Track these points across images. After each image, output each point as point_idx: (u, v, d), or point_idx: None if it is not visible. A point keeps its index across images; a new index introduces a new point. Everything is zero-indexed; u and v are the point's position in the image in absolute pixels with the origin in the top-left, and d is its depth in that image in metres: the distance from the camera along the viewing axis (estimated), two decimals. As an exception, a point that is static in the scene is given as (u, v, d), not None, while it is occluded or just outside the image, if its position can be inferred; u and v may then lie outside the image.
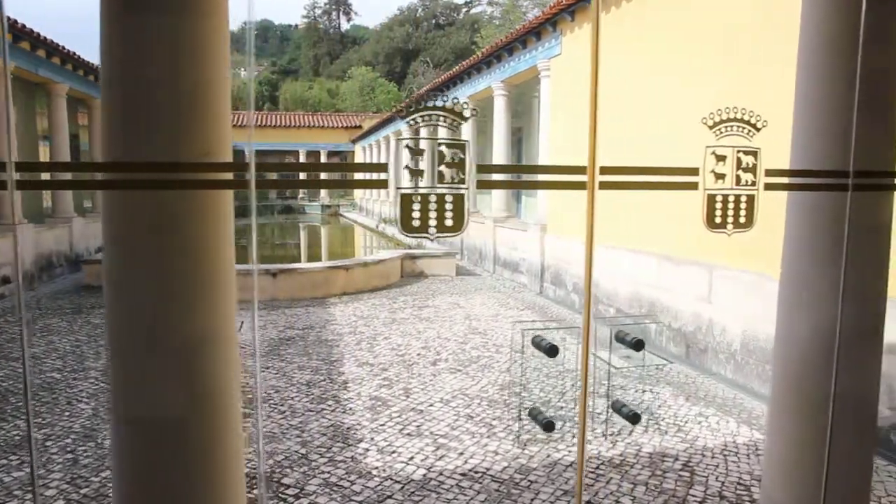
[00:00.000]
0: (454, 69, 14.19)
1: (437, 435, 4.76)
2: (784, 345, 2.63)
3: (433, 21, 55.62)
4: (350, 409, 5.30)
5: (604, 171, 1.87)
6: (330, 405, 5.38)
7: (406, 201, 1.75)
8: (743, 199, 1.98)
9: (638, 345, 2.13)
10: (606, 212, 7.70)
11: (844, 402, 2.46)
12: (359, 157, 31.77)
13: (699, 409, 5.30)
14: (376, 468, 4.24)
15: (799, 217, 2.50)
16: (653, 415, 5.17)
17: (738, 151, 1.95)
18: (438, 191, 1.76)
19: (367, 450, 4.52)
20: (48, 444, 4.56)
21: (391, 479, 4.09)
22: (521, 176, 12.44)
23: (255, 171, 1.73)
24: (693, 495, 3.93)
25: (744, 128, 1.95)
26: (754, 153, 1.96)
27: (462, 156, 1.77)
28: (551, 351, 2.14)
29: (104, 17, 1.82)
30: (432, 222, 1.76)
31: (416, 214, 1.75)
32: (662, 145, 6.82)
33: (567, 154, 9.37)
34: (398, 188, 1.75)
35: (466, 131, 13.89)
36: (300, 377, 6.12)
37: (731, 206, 1.97)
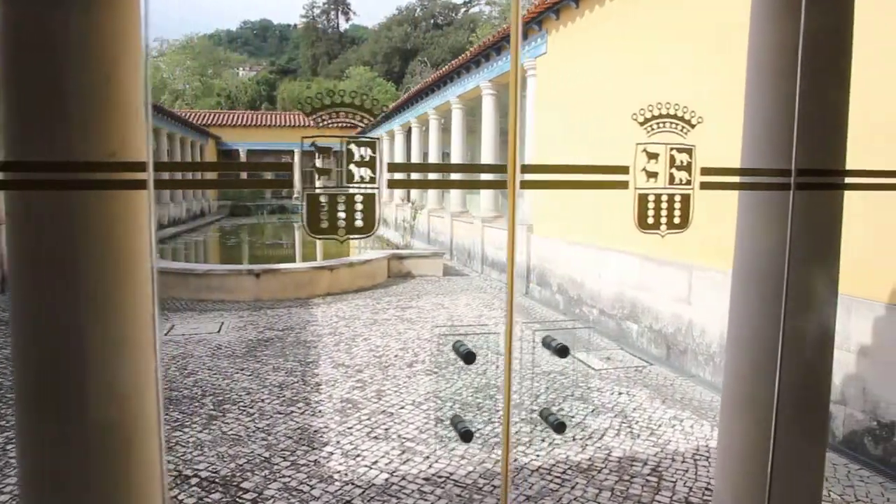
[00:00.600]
0: (443, 69, 14.12)
1: (404, 438, 4.69)
2: (734, 345, 2.56)
3: (432, 21, 55.58)
4: (320, 411, 5.23)
5: (525, 169, 1.80)
6: (300, 407, 5.31)
7: (313, 201, 1.68)
8: (677, 198, 1.90)
9: (562, 351, 2.05)
10: (592, 212, 7.65)
11: (794, 404, 2.39)
12: (355, 157, 31.53)
13: (675, 412, 5.23)
14: (339, 472, 4.18)
15: (748, 216, 2.43)
16: (626, 418, 5.10)
17: (672, 149, 1.88)
18: (348, 190, 1.69)
19: (332, 453, 4.45)
20: None
21: (352, 484, 4.02)
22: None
23: (153, 170, 1.65)
24: (659, 501, 3.86)
25: (677, 124, 1.88)
26: (689, 150, 1.89)
27: (373, 154, 1.70)
28: (468, 357, 2.07)
29: (2, 7, 1.74)
30: (341, 223, 1.70)
31: (324, 215, 1.68)
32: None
33: (553, 152, 9.30)
34: (305, 188, 1.68)
35: (456, 130, 13.85)
36: (273, 379, 6.04)
37: (664, 205, 1.90)
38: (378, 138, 1.74)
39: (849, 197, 4.58)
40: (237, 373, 6.24)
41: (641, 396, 5.59)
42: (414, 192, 18.44)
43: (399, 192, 19.71)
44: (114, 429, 1.90)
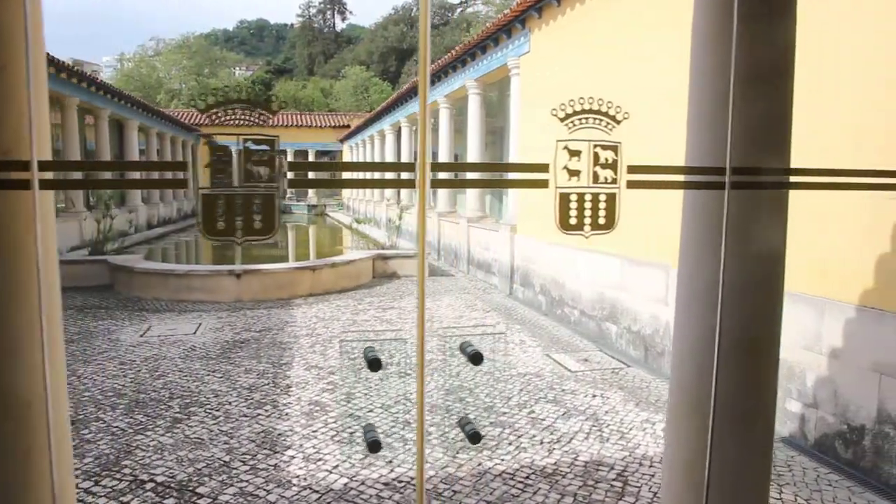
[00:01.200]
0: (430, 68, 14.02)
1: (349, 441, 4.61)
2: (677, 352, 2.48)
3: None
4: (287, 414, 5.16)
5: (436, 167, 1.72)
6: (267, 410, 5.23)
7: (209, 202, 1.60)
8: (602, 197, 1.82)
9: (475, 358, 1.97)
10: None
11: (733, 412, 2.31)
12: (346, 157, 31.63)
13: (647, 416, 5.15)
14: (297, 477, 4.10)
15: (688, 216, 2.36)
16: (598, 421, 5.02)
17: (596, 146, 1.80)
18: (248, 191, 1.61)
19: (293, 457, 4.37)
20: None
21: (310, 489, 3.94)
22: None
23: (38, 170, 1.57)
24: (621, 507, 3.79)
25: (601, 120, 1.80)
26: (614, 148, 1.81)
27: (272, 152, 1.63)
28: (373, 364, 1.99)
29: None
30: (239, 223, 1.62)
31: (220, 216, 1.61)
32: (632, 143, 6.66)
33: (536, 152, 9.22)
34: (200, 188, 1.60)
35: (444, 130, 13.77)
36: (244, 381, 5.97)
37: (587, 205, 1.82)
38: (277, 136, 1.66)
39: (821, 198, 4.50)
40: (208, 375, 6.16)
41: (615, 399, 5.51)
42: (403, 192, 18.36)
43: (388, 192, 19.64)
44: (9, 439, 1.82)
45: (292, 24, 79.86)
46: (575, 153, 1.80)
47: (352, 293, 10.21)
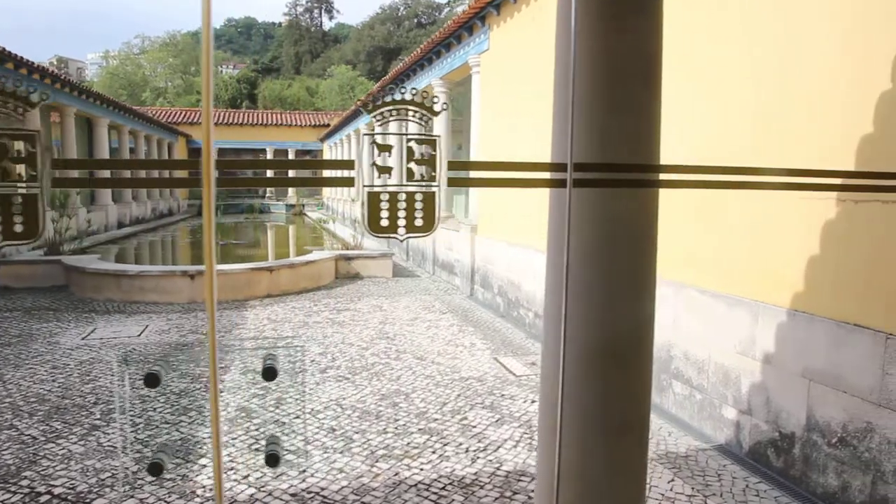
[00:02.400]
0: (398, 66, 13.85)
1: (287, 450, 4.43)
2: (545, 356, 2.32)
3: (415, 20, 55.38)
4: (210, 421, 4.96)
5: (219, 165, 1.54)
6: (191, 416, 5.04)
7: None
8: (418, 197, 1.65)
9: (266, 373, 1.81)
10: (530, 211, 7.33)
11: (604, 421, 2.16)
12: (326, 155, 31.38)
13: (582, 421, 4.99)
14: (204, 487, 3.91)
15: (556, 215, 2.20)
16: (530, 428, 4.86)
17: (410, 140, 1.62)
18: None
19: (205, 466, 4.19)
20: None
21: (213, 501, 3.75)
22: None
23: None
24: (535, 519, 3.63)
25: (416, 112, 1.63)
26: (432, 142, 1.64)
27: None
28: (149, 380, 1.83)
29: None
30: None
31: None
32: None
33: (495, 150, 9.07)
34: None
35: (440, 128, 13.56)
36: (176, 386, 5.77)
37: (402, 205, 1.64)
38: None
39: (755, 200, 4.36)
40: (141, 379, 5.94)
41: (554, 404, 5.35)
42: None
43: (341, 192, 19.37)
44: None
45: (280, 23, 79.50)
46: (385, 148, 1.63)
47: (310, 294, 10.01)
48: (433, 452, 4.41)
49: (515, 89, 8.14)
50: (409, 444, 4.53)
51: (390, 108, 1.61)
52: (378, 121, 1.63)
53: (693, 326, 4.98)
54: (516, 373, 6.20)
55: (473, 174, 1.80)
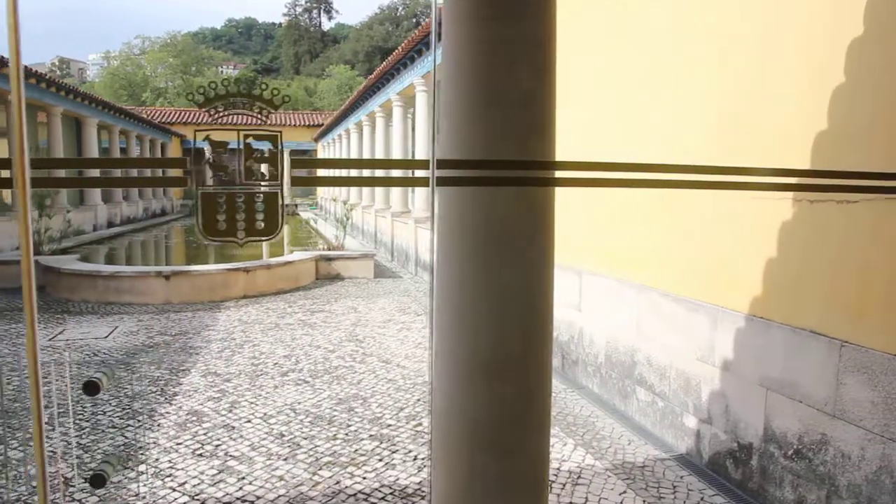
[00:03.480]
0: (381, 66, 13.71)
1: (231, 456, 4.29)
2: (437, 367, 2.18)
3: (413, 20, 55.24)
4: (160, 424, 4.83)
5: (34, 163, 1.40)
6: (140, 421, 4.91)
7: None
8: (259, 197, 1.51)
9: (87, 387, 1.65)
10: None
11: (493, 437, 2.02)
12: (320, 155, 31.24)
13: (542, 429, 4.83)
14: (137, 495, 3.78)
15: (444, 215, 2.06)
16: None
17: (248, 136, 1.48)
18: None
19: (142, 473, 4.05)
20: None
21: (136, 511, 3.62)
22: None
23: None
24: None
25: (254, 105, 1.50)
26: (274, 137, 1.50)
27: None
28: (88, 388, 1.68)
29: None
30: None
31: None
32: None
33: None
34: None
35: (397, 128, 13.46)
36: (130, 389, 5.64)
37: (241, 206, 1.50)
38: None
39: (714, 200, 4.22)
40: (86, 383, 5.81)
41: (515, 410, 5.19)
42: (354, 191, 18.05)
43: (334, 191, 19.30)
44: None
45: (280, 23, 79.50)
46: (220, 145, 1.49)
47: (287, 295, 9.87)
48: (380, 460, 4.26)
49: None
50: (356, 451, 4.39)
51: (224, 101, 1.48)
52: (213, 116, 1.49)
53: (655, 331, 4.83)
54: (482, 377, 6.05)
55: (323, 172, 1.67)
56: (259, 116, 1.49)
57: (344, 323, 8.12)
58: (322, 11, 65.25)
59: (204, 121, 1.52)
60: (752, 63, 3.98)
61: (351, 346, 7.01)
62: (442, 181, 1.64)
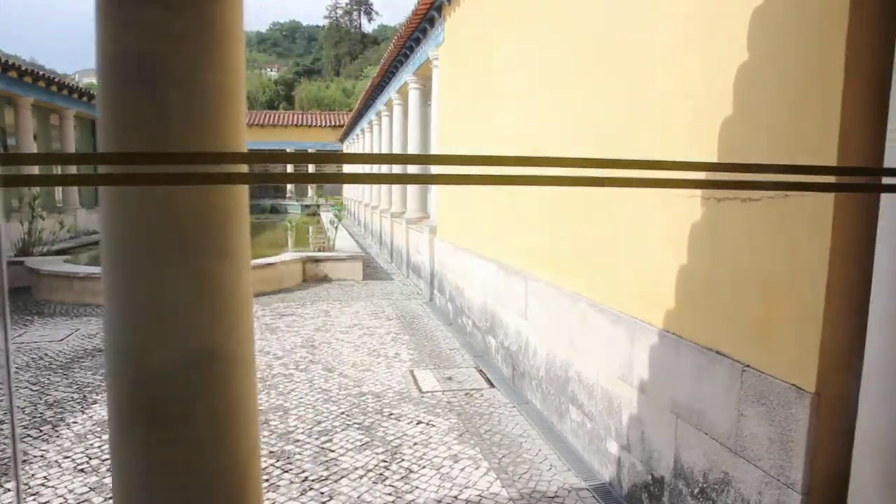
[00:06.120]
0: (381, 64, 13.36)
1: (112, 472, 4.01)
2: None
3: (450, 19, 54.87)
4: (59, 435, 4.61)
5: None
6: (42, 431, 4.70)
7: None
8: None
9: None
10: (473, 212, 6.71)
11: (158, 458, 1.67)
12: (345, 156, 30.92)
13: (460, 449, 4.42)
14: (-10, 516, 3.54)
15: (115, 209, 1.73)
16: (394, 455, 4.32)
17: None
18: None
19: (8, 491, 3.82)
20: None
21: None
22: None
23: None
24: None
25: None
26: None
27: None
28: None
29: None
30: None
31: None
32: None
33: (451, 143, 8.52)
34: None
35: (397, 123, 13.11)
36: (55, 396, 5.46)
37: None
38: None
39: (620, 199, 3.75)
40: (25, 388, 5.67)
41: (441, 428, 4.79)
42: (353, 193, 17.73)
43: (355, 191, 18.94)
44: None
45: (323, 26, 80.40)
46: None
47: (266, 298, 9.65)
48: (266, 481, 3.93)
49: (473, 77, 7.61)
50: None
51: None
52: None
53: (585, 344, 4.36)
54: (423, 388, 5.66)
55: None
56: None
57: (307, 328, 7.82)
58: (363, 13, 65.58)
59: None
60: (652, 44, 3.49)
61: (301, 353, 6.71)
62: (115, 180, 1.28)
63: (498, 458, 4.30)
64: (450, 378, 5.97)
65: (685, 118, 3.26)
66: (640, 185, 1.41)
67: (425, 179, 1.07)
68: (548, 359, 5.02)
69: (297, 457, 4.27)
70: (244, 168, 1.73)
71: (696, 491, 3.14)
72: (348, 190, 27.50)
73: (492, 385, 5.79)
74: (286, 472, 4.06)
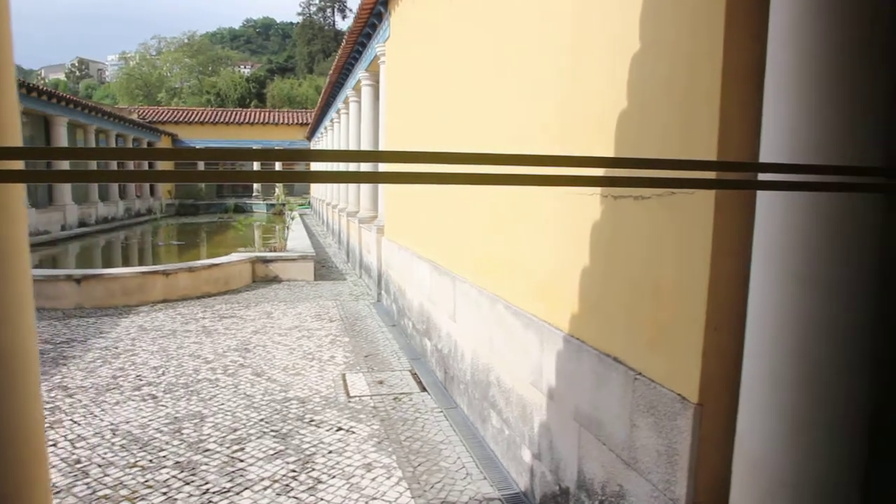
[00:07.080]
0: (336, 61, 13.14)
1: None
2: None
3: (424, 17, 54.69)
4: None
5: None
6: (-64, 443, 4.43)
7: None
8: None
9: None
10: (415, 211, 6.46)
11: None
12: (312, 154, 30.54)
13: (375, 458, 4.26)
14: None
15: None
16: (306, 465, 4.14)
17: None
18: None
19: None
20: None
21: None
22: None
23: None
24: None
25: None
26: None
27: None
28: None
29: None
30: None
31: None
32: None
33: (400, 140, 8.35)
34: None
35: (366, 122, 12.90)
36: (-40, 404, 5.17)
37: None
38: None
39: (526, 196, 3.62)
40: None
41: (360, 435, 4.62)
42: (325, 192, 17.46)
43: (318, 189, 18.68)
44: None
45: (297, 23, 79.73)
46: None
47: (210, 299, 9.40)
48: (164, 494, 3.73)
49: (419, 71, 7.44)
50: (145, 482, 3.86)
51: None
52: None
53: (502, 348, 4.22)
54: (352, 393, 5.49)
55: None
56: None
57: (245, 330, 7.60)
58: (336, 10, 65.05)
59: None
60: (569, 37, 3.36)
61: (233, 357, 6.49)
62: None
63: (413, 467, 4.14)
64: (381, 382, 5.81)
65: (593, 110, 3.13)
66: (528, 182, 1.26)
67: (356, 178, 0.92)
68: (473, 362, 4.88)
69: (204, 468, 4.07)
70: (19, 165, 1.56)
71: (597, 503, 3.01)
72: (315, 189, 27.15)
73: (423, 389, 5.63)
74: (187, 483, 3.86)
